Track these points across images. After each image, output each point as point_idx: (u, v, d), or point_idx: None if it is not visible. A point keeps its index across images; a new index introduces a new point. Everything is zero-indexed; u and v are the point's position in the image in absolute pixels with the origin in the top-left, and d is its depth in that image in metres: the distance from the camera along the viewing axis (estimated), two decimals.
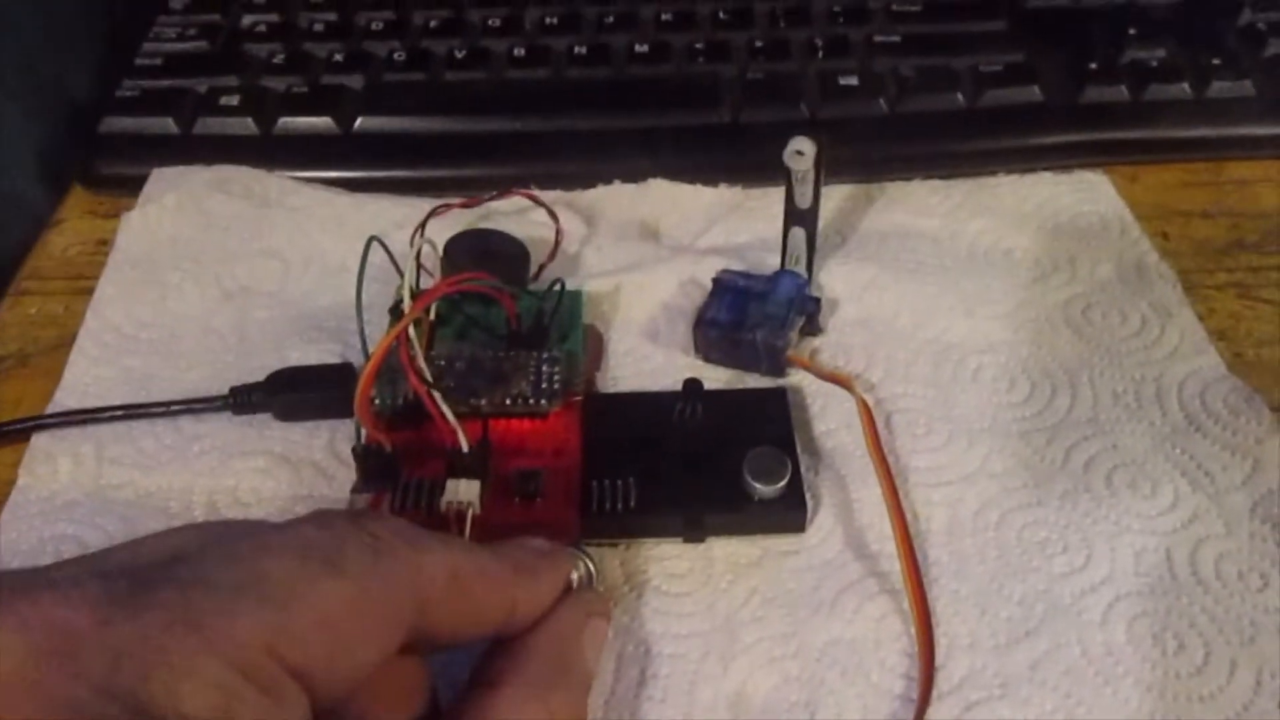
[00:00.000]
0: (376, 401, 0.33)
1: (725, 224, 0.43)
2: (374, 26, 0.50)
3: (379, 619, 0.21)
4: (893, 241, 0.42)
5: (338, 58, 0.48)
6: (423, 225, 0.39)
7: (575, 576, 0.29)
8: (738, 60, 0.48)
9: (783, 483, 0.31)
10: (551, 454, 0.33)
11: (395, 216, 0.42)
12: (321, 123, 0.46)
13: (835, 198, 0.44)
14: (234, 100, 0.46)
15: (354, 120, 0.46)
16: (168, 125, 0.46)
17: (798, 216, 0.38)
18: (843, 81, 0.46)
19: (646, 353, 0.38)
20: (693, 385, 0.34)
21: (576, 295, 0.38)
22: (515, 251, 0.39)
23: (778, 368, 0.37)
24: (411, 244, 0.39)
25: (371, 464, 0.32)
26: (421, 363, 0.31)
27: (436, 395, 0.30)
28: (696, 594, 0.31)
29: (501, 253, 0.38)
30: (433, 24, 0.50)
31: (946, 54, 0.48)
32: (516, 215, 0.43)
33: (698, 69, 0.48)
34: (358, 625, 0.21)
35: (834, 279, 0.40)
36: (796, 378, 0.37)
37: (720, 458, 0.32)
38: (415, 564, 0.22)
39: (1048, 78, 0.46)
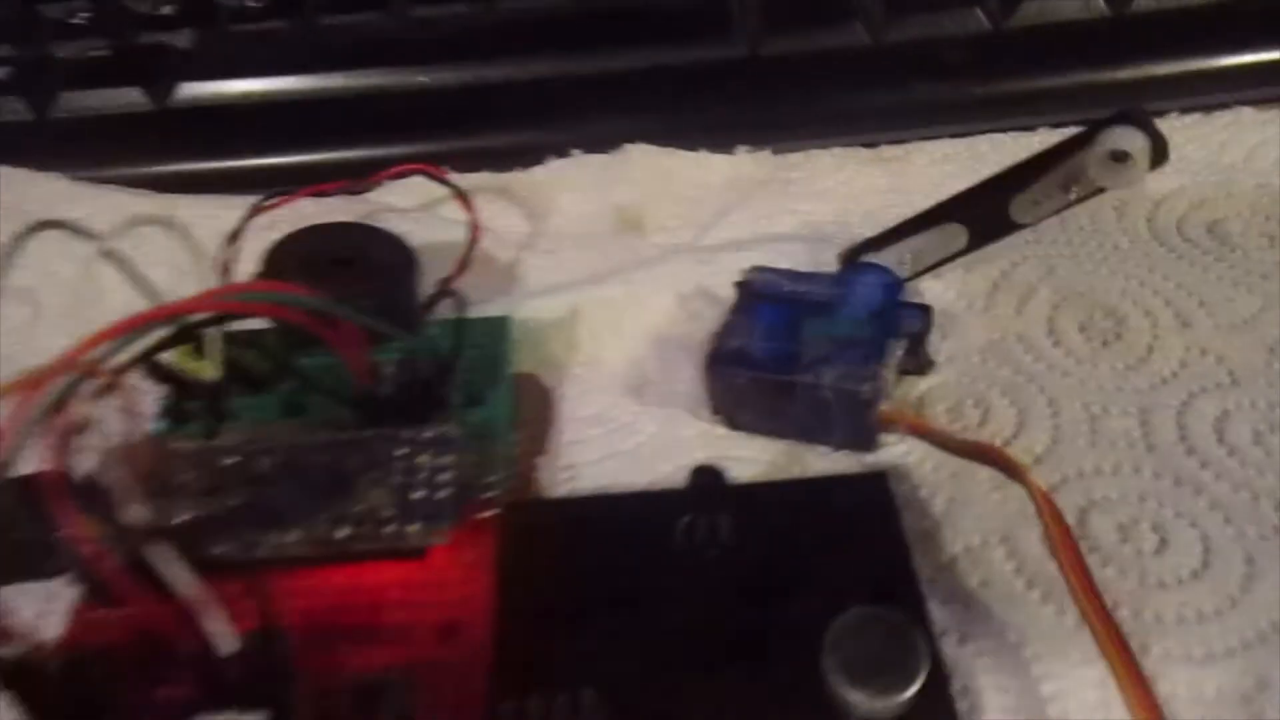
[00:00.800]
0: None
1: (750, 208, 0.27)
2: None
3: None
4: None
5: (166, 10, 0.33)
6: (239, 229, 0.24)
7: None
8: None
9: (911, 688, 0.15)
10: (432, 635, 0.17)
11: (226, 223, 0.26)
12: (124, 96, 0.30)
13: (919, 161, 0.28)
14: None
15: (171, 90, 0.30)
16: None
17: (985, 220, 0.22)
18: None
19: (628, 419, 0.22)
20: (706, 479, 0.17)
21: (499, 325, 0.22)
22: (392, 259, 0.22)
23: (864, 436, 0.20)
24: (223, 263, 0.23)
25: (39, 686, 0.15)
26: (126, 477, 0.14)
27: (156, 550, 0.14)
28: None
29: (368, 261, 0.22)
30: None
31: None
32: (414, 213, 0.27)
33: None
34: None
35: (940, 279, 0.24)
36: (897, 452, 0.21)
37: (774, 632, 0.16)
38: None
39: None
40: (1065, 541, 0.17)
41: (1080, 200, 0.21)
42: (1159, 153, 0.19)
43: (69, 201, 0.28)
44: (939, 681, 0.15)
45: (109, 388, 0.15)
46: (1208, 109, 0.29)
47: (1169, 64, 0.29)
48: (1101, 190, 0.20)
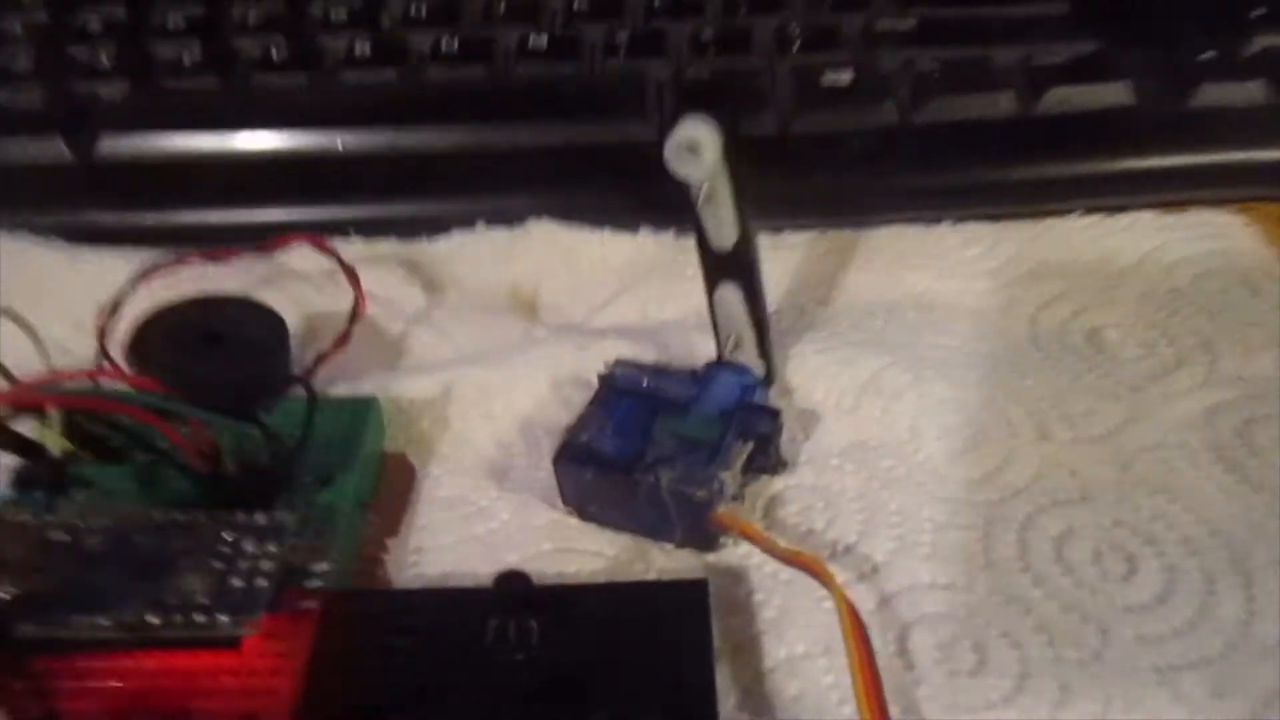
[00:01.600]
0: None
1: (642, 290, 0.28)
2: (171, 25, 0.36)
3: None
4: (908, 317, 0.26)
5: (104, 62, 0.34)
6: (120, 298, 0.24)
7: None
8: (674, 56, 0.32)
9: None
10: None
11: (127, 276, 0.27)
12: (47, 149, 0.31)
13: (818, 250, 0.29)
14: None
15: (95, 143, 0.31)
16: None
17: (722, 265, 0.22)
18: (829, 80, 0.31)
19: (485, 503, 0.22)
20: (512, 585, 0.18)
21: (365, 406, 0.23)
22: (262, 335, 0.23)
23: (704, 536, 0.20)
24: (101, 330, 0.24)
25: None
26: None
27: None
28: None
29: (237, 337, 0.23)
30: (253, 19, 0.35)
31: (984, 43, 0.32)
32: (310, 280, 0.28)
33: (616, 67, 0.32)
34: None
35: (811, 377, 0.24)
36: (738, 553, 0.21)
37: None
38: None
39: (1138, 74, 0.31)
40: (864, 662, 0.17)
41: (735, 204, 0.21)
42: (729, 145, 0.20)
43: None
44: None
45: None
46: (1110, 210, 0.29)
47: (1073, 165, 0.30)
48: (708, 187, 0.21)
